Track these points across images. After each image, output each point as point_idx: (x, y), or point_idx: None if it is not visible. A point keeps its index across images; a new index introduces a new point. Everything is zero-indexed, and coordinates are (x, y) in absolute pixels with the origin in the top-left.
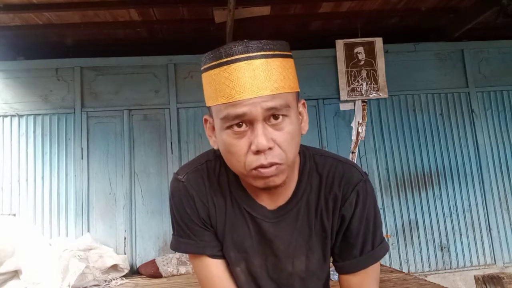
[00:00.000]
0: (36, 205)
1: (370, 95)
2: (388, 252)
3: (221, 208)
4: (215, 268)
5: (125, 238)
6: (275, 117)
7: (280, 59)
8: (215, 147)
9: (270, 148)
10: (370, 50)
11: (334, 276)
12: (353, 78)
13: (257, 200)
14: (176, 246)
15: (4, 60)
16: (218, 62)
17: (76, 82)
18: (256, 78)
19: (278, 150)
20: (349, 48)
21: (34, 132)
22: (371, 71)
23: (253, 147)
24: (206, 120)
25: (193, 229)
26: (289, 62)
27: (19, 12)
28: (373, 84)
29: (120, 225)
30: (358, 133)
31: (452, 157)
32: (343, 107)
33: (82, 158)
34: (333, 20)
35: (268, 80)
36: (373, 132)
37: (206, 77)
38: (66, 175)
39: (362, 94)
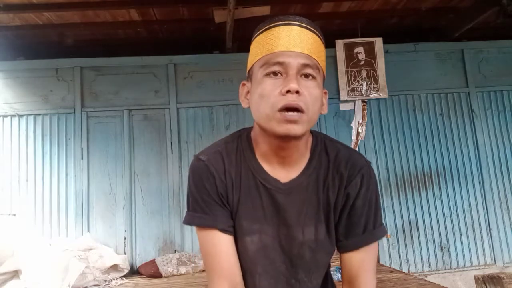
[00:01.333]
0: (36, 205)
1: (370, 95)
2: (388, 252)
3: (237, 181)
4: (223, 242)
5: (125, 238)
6: (306, 75)
7: (315, 36)
8: (246, 106)
9: (297, 92)
10: (370, 50)
11: (336, 274)
12: (353, 78)
13: (271, 174)
14: (190, 220)
15: (4, 60)
16: (264, 28)
17: (76, 82)
18: (294, 38)
19: (304, 98)
20: (349, 48)
21: (34, 132)
22: (371, 71)
23: (285, 88)
24: (243, 84)
25: (209, 203)
26: (322, 46)
27: (19, 12)
28: (373, 84)
29: (120, 225)
30: (358, 133)
31: (452, 157)
32: (343, 107)
33: (82, 158)
34: (333, 20)
35: (303, 42)
36: (373, 132)
37: (254, 43)
38: (66, 175)
39: (362, 94)
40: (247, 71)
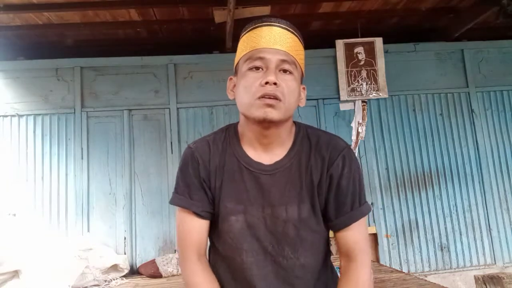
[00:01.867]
0: (36, 205)
1: (370, 95)
2: (388, 252)
3: (221, 166)
4: (195, 223)
5: (125, 238)
6: (284, 70)
7: (294, 36)
8: (231, 98)
9: (275, 84)
10: (370, 50)
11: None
12: (353, 78)
13: (255, 158)
14: (172, 200)
15: (4, 60)
16: (249, 29)
17: (76, 82)
18: (274, 37)
19: (281, 89)
20: (349, 48)
21: (34, 132)
22: (371, 71)
23: (264, 80)
24: (230, 79)
25: (190, 187)
26: (301, 47)
27: (19, 12)
28: (373, 84)
29: (120, 225)
30: (358, 133)
31: (452, 157)
32: (343, 107)
33: (82, 158)
34: (333, 20)
35: (282, 41)
36: (373, 132)
37: (240, 41)
38: (66, 175)
39: (362, 94)
40: (234, 66)
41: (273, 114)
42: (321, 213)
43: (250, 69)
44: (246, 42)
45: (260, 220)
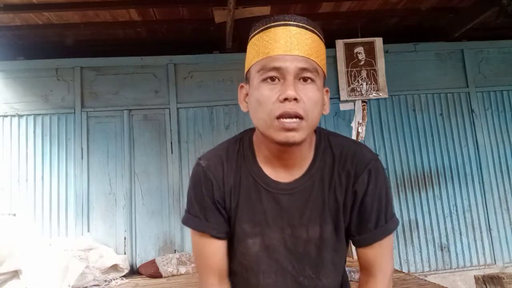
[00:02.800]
0: (36, 205)
1: (370, 95)
2: None
3: (236, 186)
4: (213, 245)
5: (125, 238)
6: (304, 79)
7: (314, 35)
8: (245, 110)
9: (296, 99)
10: (370, 50)
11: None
12: (353, 78)
13: (272, 177)
14: (186, 221)
15: (4, 60)
16: (261, 28)
17: (76, 82)
18: (291, 40)
19: (302, 104)
20: (349, 48)
21: (34, 132)
22: (371, 71)
23: (282, 96)
24: (241, 87)
25: (204, 208)
26: (322, 45)
27: (19, 12)
28: (373, 84)
29: (120, 225)
30: (358, 133)
31: (452, 157)
32: (343, 107)
33: (82, 158)
34: (333, 20)
35: (301, 44)
36: (373, 132)
37: (250, 43)
38: (66, 175)
39: (362, 94)
40: (245, 73)
41: (295, 137)
42: (344, 230)
43: (264, 80)
44: (258, 46)
45: (279, 241)
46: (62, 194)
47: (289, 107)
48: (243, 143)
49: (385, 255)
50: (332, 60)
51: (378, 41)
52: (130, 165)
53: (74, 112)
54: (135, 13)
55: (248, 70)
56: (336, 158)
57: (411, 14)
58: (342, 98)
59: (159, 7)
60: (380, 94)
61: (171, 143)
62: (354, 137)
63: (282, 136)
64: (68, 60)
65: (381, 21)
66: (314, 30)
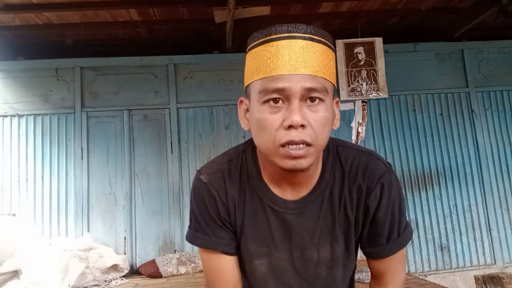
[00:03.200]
0: (36, 205)
1: (370, 95)
2: None
3: (241, 203)
4: (225, 261)
5: (125, 238)
6: (312, 99)
7: (322, 46)
8: (246, 129)
9: (302, 126)
10: (370, 50)
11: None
12: (353, 78)
13: (279, 194)
14: (192, 239)
15: (4, 60)
16: (261, 40)
17: (76, 82)
18: (296, 56)
19: (310, 130)
20: (349, 48)
21: (34, 132)
22: (371, 71)
23: (286, 122)
24: (241, 102)
25: (210, 225)
26: (331, 54)
27: (19, 12)
28: (373, 84)
29: (120, 225)
30: (358, 133)
31: (452, 157)
32: (343, 107)
33: (82, 158)
34: (333, 20)
35: (308, 60)
36: (373, 132)
37: (250, 56)
38: (66, 175)
39: (362, 94)
40: (245, 86)
41: (303, 165)
42: (354, 243)
43: (266, 101)
44: (258, 62)
45: (287, 263)
46: (62, 194)
47: (295, 134)
48: (246, 156)
49: (398, 265)
50: None
51: (378, 41)
52: (130, 165)
53: (74, 112)
54: (135, 13)
55: (248, 86)
56: (346, 172)
57: (411, 14)
58: (342, 98)
59: (159, 7)
60: (380, 94)
61: (171, 143)
62: (354, 137)
63: (289, 164)
64: (68, 60)
65: (381, 21)
66: (322, 39)
